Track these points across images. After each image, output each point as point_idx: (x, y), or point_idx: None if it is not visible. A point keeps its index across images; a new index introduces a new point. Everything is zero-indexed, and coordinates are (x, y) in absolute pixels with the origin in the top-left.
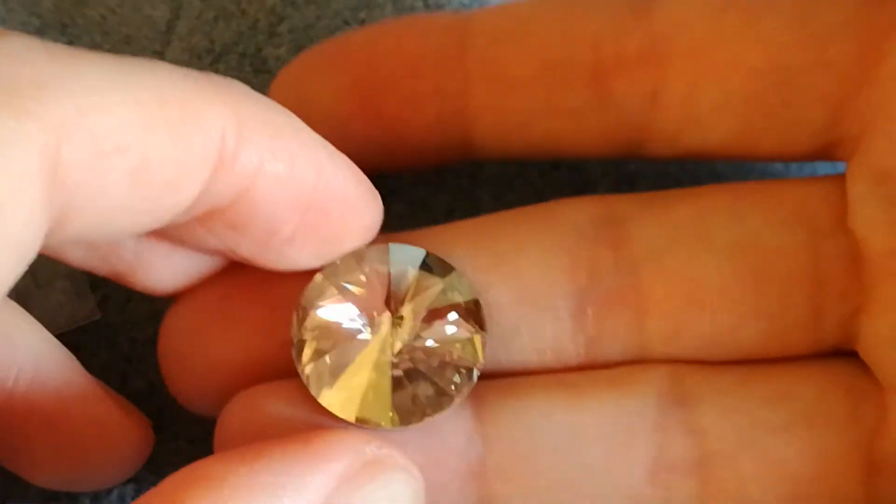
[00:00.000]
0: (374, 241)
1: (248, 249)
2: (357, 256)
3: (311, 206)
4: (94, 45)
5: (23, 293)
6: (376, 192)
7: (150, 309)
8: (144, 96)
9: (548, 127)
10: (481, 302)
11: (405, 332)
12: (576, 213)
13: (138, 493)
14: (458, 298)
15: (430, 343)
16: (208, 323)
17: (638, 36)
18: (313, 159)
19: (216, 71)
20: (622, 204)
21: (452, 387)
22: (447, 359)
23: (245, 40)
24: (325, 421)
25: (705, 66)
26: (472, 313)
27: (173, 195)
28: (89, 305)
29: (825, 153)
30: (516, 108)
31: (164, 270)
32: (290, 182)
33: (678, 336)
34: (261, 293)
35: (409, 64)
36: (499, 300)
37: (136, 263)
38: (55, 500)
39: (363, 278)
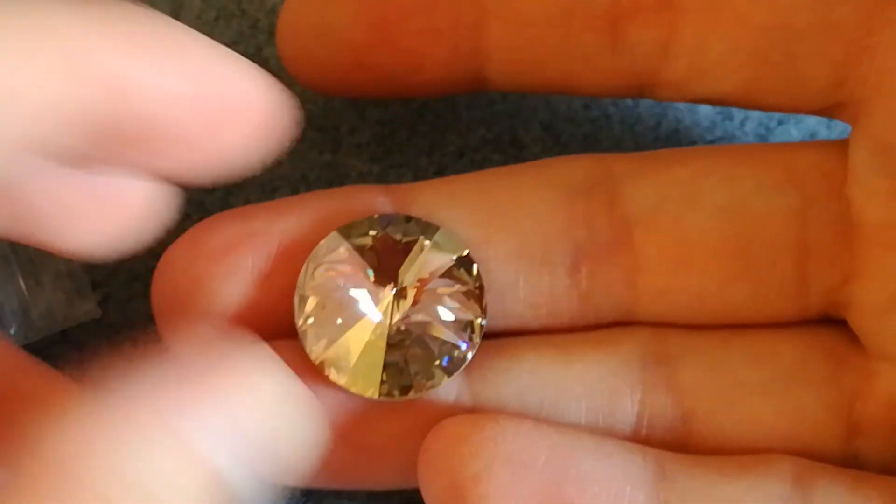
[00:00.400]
0: (385, 203)
1: (162, 168)
2: (370, 221)
3: (204, 110)
4: None
5: (23, 290)
6: (283, 97)
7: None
8: None
9: (561, 67)
10: (476, 260)
11: (405, 303)
12: (572, 170)
13: None
14: (462, 273)
15: (427, 317)
16: (209, 268)
17: None
18: (201, 66)
19: None
20: (618, 163)
21: (443, 364)
22: (442, 336)
23: (245, 40)
24: (313, 384)
25: (714, 20)
26: (473, 293)
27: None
28: (89, 303)
29: (831, 112)
30: (531, 47)
31: (83, 225)
32: (176, 88)
33: (667, 294)
34: (262, 242)
35: None
36: (497, 254)
37: (41, 216)
38: None
39: (373, 243)
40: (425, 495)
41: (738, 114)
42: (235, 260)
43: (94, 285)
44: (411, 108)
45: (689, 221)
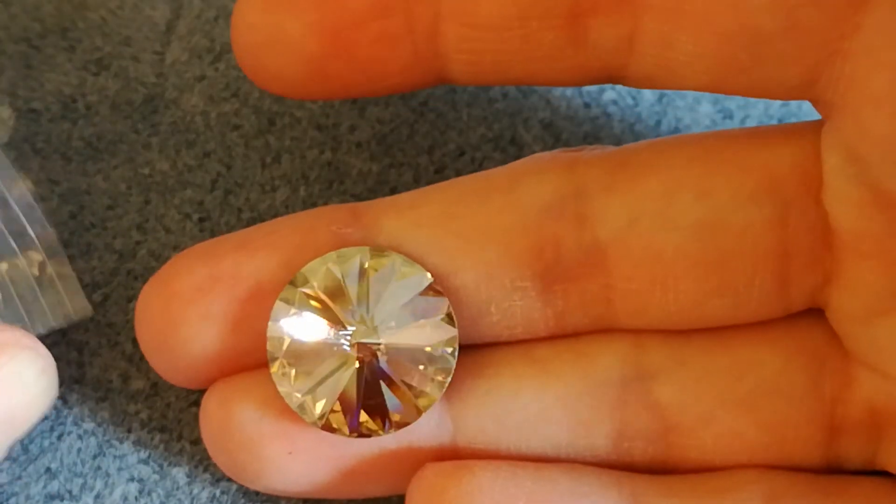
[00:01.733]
0: (352, 234)
1: None
2: (335, 257)
3: None
4: (95, 48)
5: (15, 292)
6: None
7: None
8: None
9: (523, 65)
10: (444, 289)
11: (375, 338)
12: (540, 186)
13: (142, 492)
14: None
15: (398, 353)
16: (183, 312)
17: None
18: None
19: (216, 70)
20: (588, 173)
21: (418, 402)
22: (417, 368)
23: None
24: (297, 419)
25: (678, 20)
26: (443, 320)
27: None
28: (82, 303)
29: (808, 100)
30: (490, 48)
31: None
32: None
33: (644, 313)
34: (232, 286)
35: (378, 1)
36: (465, 283)
37: None
38: (58, 498)
39: (329, 284)
40: None
41: (738, 113)
42: (207, 305)
43: (94, 286)
44: (411, 106)
45: (662, 240)
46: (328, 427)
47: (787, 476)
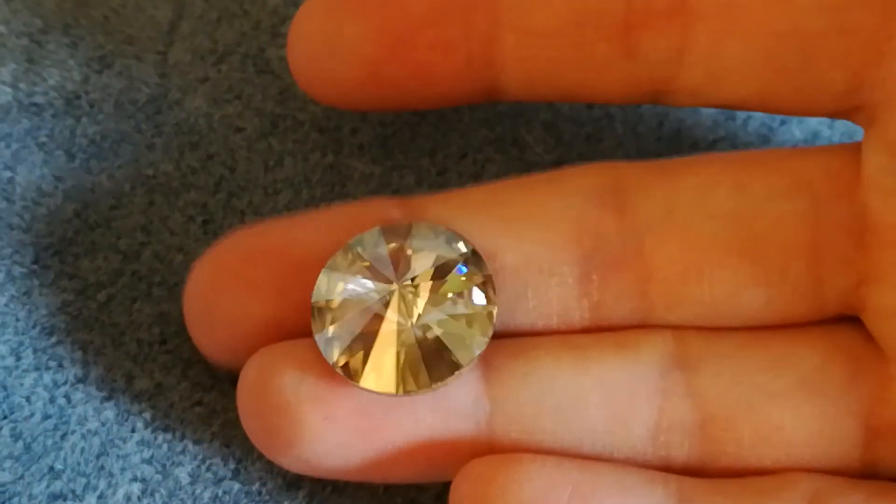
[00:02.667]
0: (393, 213)
1: None
2: (381, 230)
3: None
4: (97, 46)
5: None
6: None
7: (156, 310)
8: None
9: (575, 76)
10: (490, 268)
11: (418, 302)
12: (583, 180)
13: (144, 492)
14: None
15: (441, 315)
16: (230, 283)
17: None
18: None
19: (219, 71)
20: (628, 172)
21: (460, 357)
22: (456, 330)
23: (248, 41)
24: (336, 386)
25: (729, 25)
26: (485, 281)
27: None
28: None
29: (846, 115)
30: (544, 57)
31: None
32: None
33: (679, 303)
34: (281, 255)
35: (438, 8)
36: (506, 266)
37: None
38: (61, 497)
39: (382, 252)
40: None
41: (740, 114)
42: (252, 275)
43: (98, 286)
44: None
45: (699, 229)
46: (369, 384)
47: (832, 478)
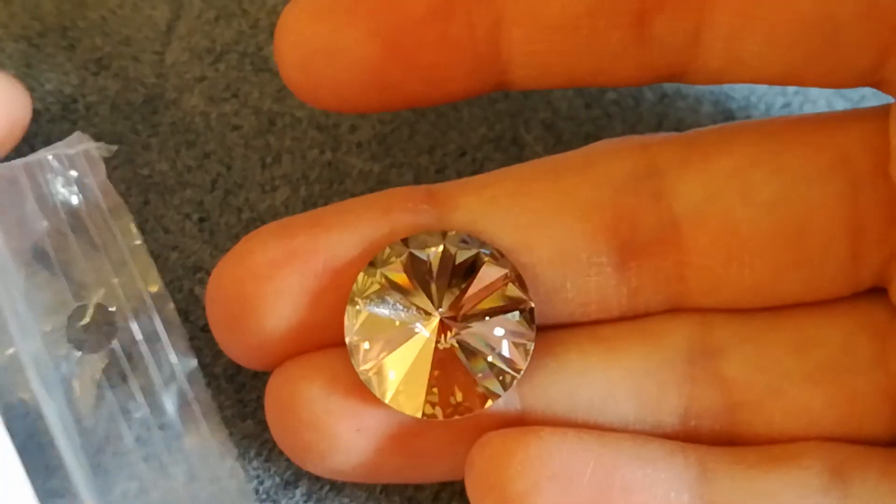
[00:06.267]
0: (427, 212)
1: None
2: (406, 243)
3: None
4: (95, 47)
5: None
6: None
7: None
8: None
9: (586, 65)
10: (519, 264)
11: (454, 322)
12: (615, 165)
13: (141, 490)
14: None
15: (477, 339)
16: (258, 287)
17: None
18: None
19: (216, 70)
20: (661, 153)
21: (491, 387)
22: (490, 358)
23: (246, 39)
24: (366, 398)
25: (751, 10)
26: (524, 312)
27: None
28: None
29: (873, 85)
30: (554, 49)
31: None
32: None
33: (717, 290)
34: (308, 261)
35: (439, 6)
36: (541, 258)
37: None
38: (57, 496)
39: (409, 265)
40: None
41: (740, 114)
42: (282, 280)
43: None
44: None
45: (739, 215)
46: (396, 404)
47: (852, 447)
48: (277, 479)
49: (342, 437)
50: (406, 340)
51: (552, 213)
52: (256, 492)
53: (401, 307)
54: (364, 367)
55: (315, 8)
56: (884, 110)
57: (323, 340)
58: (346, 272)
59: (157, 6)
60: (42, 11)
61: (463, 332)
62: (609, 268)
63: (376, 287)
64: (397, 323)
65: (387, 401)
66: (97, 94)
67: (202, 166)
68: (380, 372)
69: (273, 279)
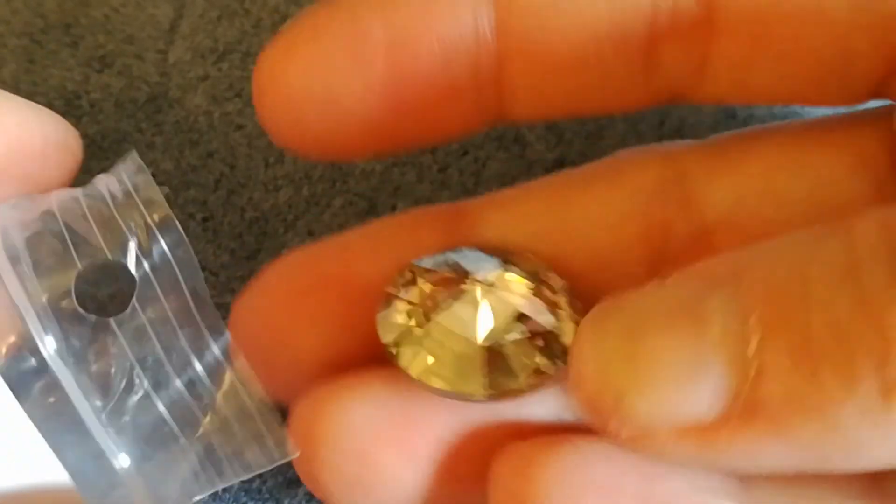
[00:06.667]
0: (455, 231)
1: None
2: (433, 259)
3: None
4: (98, 45)
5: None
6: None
7: None
8: None
9: (592, 99)
10: (556, 275)
11: (497, 318)
12: (643, 174)
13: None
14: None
15: (519, 333)
16: (287, 315)
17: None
18: None
19: (219, 70)
20: (687, 161)
21: (544, 367)
22: (539, 343)
23: (248, 39)
24: (409, 418)
25: (760, 41)
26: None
27: None
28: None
29: (876, 98)
30: (560, 86)
31: None
32: None
33: None
34: (339, 284)
35: (441, 48)
36: (576, 273)
37: None
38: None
39: (447, 273)
40: None
41: (741, 112)
42: (315, 307)
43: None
44: None
45: (770, 218)
46: (450, 391)
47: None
48: (280, 479)
49: (389, 468)
50: (453, 333)
51: (583, 226)
52: (259, 491)
53: (442, 303)
54: (415, 364)
55: (304, 58)
56: (889, 115)
57: (354, 363)
58: (374, 294)
59: (159, 5)
60: (45, 9)
61: (507, 327)
62: (644, 278)
63: (411, 288)
64: (440, 320)
65: (446, 388)
66: (101, 92)
67: (206, 165)
68: (432, 364)
69: (306, 305)
